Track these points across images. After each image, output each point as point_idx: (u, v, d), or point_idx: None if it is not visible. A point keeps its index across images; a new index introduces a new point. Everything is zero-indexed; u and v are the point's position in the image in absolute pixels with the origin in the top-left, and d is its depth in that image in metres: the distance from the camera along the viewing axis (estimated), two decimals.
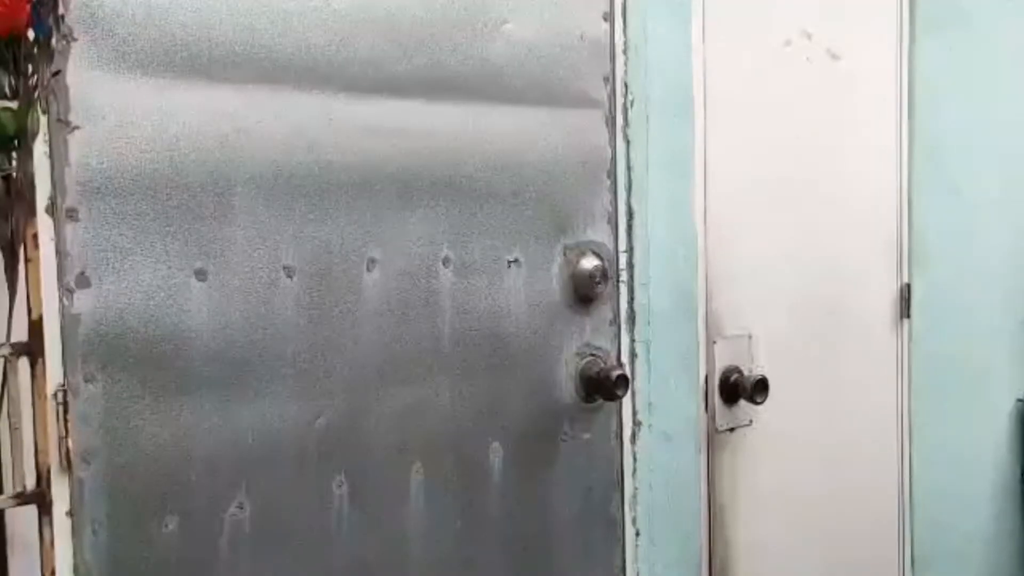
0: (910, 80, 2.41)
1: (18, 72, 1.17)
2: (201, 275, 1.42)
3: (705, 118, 2.00)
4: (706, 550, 2.05)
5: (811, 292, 2.23)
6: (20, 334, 1.23)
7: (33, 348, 1.22)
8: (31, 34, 1.17)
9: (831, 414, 2.24)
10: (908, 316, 2.42)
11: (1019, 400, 2.62)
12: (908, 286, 2.43)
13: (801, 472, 2.07)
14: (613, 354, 1.89)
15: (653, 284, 1.94)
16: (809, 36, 2.20)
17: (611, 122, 1.87)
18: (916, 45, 2.41)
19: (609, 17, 1.85)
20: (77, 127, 1.31)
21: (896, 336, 2.41)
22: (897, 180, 2.41)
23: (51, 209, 1.29)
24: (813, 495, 2.24)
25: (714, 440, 2.07)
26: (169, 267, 1.39)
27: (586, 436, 1.86)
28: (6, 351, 1.22)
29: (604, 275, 1.84)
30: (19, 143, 1.18)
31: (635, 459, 1.93)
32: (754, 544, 2.14)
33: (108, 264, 1.34)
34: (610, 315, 1.89)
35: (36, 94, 1.19)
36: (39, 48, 1.18)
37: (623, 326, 1.90)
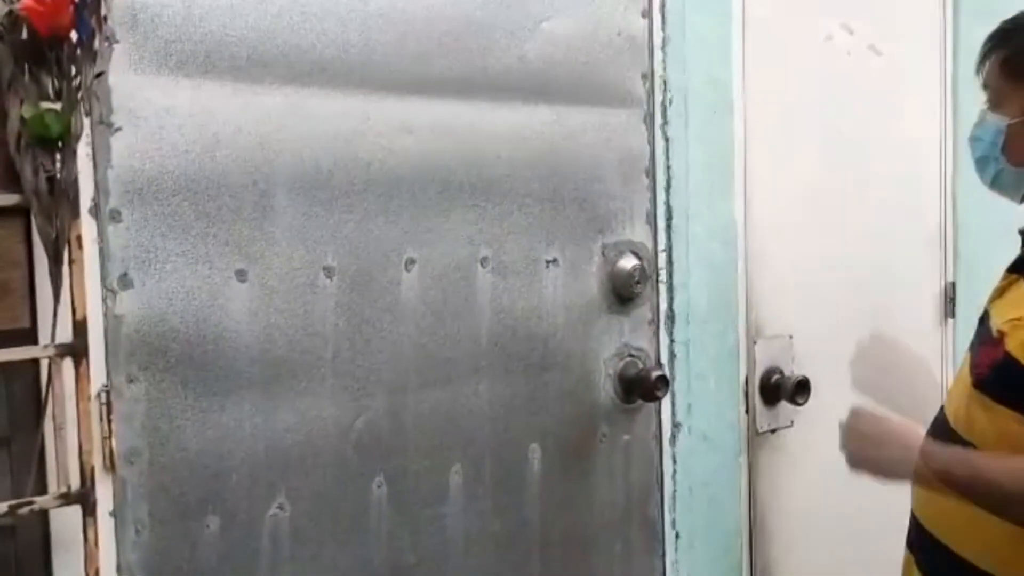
0: (953, 75, 2.36)
1: (62, 74, 1.18)
2: (242, 276, 1.42)
3: (745, 114, 1.97)
4: (747, 552, 2.03)
5: (853, 291, 2.19)
6: (64, 335, 1.24)
7: (77, 349, 1.23)
8: (74, 35, 1.18)
9: None
10: (953, 316, 2.37)
11: None
12: (952, 285, 2.38)
13: (844, 474, 2.03)
14: (652, 355, 1.87)
15: (692, 284, 1.91)
16: (851, 31, 2.16)
17: (650, 120, 1.85)
18: (959, 40, 2.36)
19: (647, 13, 1.83)
20: (119, 129, 1.32)
21: (941, 336, 2.37)
22: (940, 177, 2.37)
23: (94, 210, 1.30)
24: (856, 497, 2.19)
25: (755, 441, 2.04)
26: (210, 268, 1.40)
27: (625, 437, 1.84)
28: (51, 351, 1.23)
29: (643, 275, 1.82)
30: (63, 144, 1.19)
31: (675, 461, 1.91)
32: (797, 546, 2.10)
33: (150, 265, 1.35)
34: (649, 315, 1.87)
35: (79, 96, 1.19)
36: (82, 50, 1.19)
37: (662, 326, 1.88)
